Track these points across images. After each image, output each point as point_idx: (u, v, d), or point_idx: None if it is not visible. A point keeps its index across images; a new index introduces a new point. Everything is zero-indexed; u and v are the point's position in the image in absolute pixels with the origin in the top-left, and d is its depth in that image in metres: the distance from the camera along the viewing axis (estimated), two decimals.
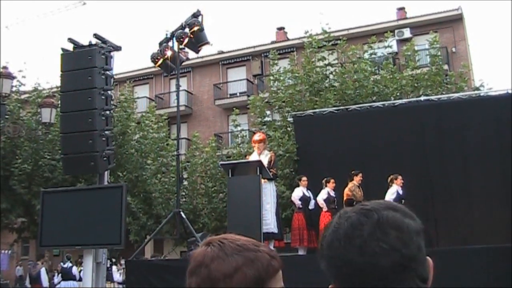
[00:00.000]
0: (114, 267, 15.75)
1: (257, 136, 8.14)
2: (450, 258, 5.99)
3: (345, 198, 9.19)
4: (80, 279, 13.42)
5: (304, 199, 9.59)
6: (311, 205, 9.69)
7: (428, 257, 0.98)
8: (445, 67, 19.53)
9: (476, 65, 44.08)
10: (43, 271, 14.11)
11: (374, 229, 0.94)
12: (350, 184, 9.38)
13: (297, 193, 9.73)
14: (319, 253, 1.00)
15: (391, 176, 9.30)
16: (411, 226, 0.97)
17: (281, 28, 30.27)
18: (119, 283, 15.90)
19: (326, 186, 9.60)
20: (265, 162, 7.46)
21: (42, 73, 51.68)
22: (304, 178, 9.83)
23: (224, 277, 0.99)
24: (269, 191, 7.49)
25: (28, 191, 15.70)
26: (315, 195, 9.65)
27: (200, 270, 1.01)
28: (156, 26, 70.98)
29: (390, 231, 0.94)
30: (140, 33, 69.02)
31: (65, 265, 14.53)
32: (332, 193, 9.56)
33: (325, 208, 9.41)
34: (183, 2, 54.65)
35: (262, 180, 7.17)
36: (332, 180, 9.61)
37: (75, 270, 14.33)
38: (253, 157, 7.85)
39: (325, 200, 9.43)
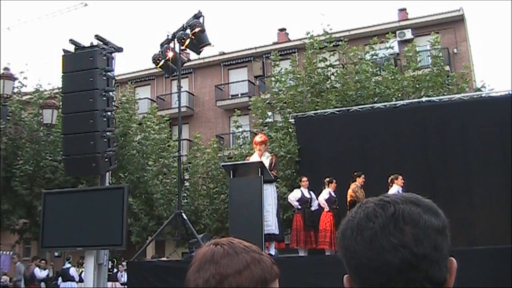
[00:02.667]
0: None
1: (258, 138, 8.12)
2: None
3: (348, 199, 9.18)
4: (80, 280, 13.46)
5: (304, 200, 9.58)
6: (315, 206, 9.68)
7: (452, 258, 0.93)
8: (447, 68, 19.50)
9: (477, 66, 44.14)
10: (36, 270, 14.47)
11: (388, 223, 0.89)
12: (353, 185, 9.37)
13: (295, 194, 9.74)
14: (337, 242, 0.98)
15: (392, 176, 9.29)
16: (430, 222, 0.91)
17: (282, 29, 30.28)
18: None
19: (328, 186, 9.61)
20: (266, 163, 7.44)
21: (43, 74, 51.78)
22: (305, 179, 9.83)
23: (235, 272, 1.00)
24: (270, 193, 7.48)
25: (29, 192, 15.72)
26: (317, 196, 9.65)
27: (210, 266, 1.02)
28: (157, 27, 71.07)
29: (404, 226, 0.88)
30: (141, 34, 69.14)
31: (65, 267, 14.65)
32: (333, 194, 9.57)
33: (326, 208, 9.42)
34: (184, 3, 54.73)
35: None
36: (334, 181, 9.63)
37: (72, 271, 14.38)
38: (254, 158, 7.83)
39: (326, 200, 9.44)
